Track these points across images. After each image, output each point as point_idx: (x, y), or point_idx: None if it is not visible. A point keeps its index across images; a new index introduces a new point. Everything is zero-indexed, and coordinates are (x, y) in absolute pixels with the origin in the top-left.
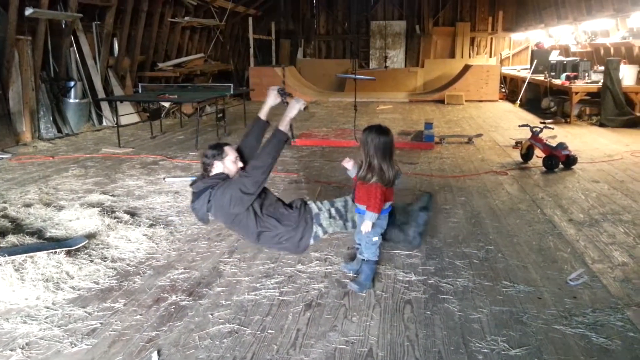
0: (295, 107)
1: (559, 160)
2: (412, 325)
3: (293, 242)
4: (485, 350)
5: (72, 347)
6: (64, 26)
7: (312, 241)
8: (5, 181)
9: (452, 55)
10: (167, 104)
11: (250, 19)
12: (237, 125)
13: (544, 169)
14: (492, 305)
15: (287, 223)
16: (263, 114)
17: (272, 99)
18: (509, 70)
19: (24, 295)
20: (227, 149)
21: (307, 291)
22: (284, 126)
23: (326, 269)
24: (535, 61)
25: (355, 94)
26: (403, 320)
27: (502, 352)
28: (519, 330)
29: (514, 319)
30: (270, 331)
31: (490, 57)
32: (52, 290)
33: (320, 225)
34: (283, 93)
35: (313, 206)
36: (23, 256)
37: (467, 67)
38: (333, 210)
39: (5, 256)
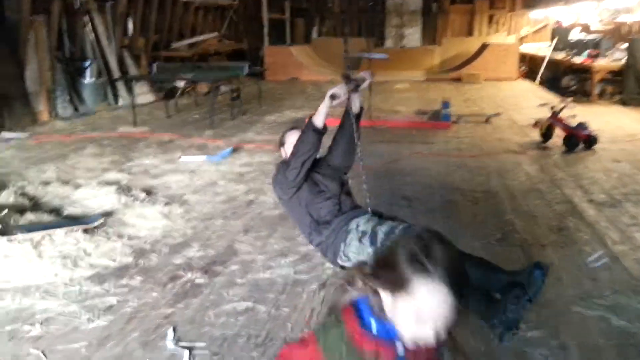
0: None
1: (580, 139)
2: None
3: (326, 253)
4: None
5: (90, 323)
6: (78, 6)
7: (340, 261)
8: (24, 160)
9: (469, 33)
10: (182, 83)
11: None
12: (252, 104)
13: (564, 148)
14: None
15: (319, 229)
16: (320, 121)
17: (340, 97)
18: (529, 48)
19: (43, 272)
20: (288, 133)
21: (322, 270)
22: (315, 117)
23: None
24: (555, 39)
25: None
26: None
27: (520, 334)
28: (537, 311)
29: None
30: (284, 309)
31: (509, 35)
32: (69, 267)
33: (347, 245)
34: (350, 79)
35: (354, 221)
36: (41, 233)
37: (485, 46)
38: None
39: (24, 233)
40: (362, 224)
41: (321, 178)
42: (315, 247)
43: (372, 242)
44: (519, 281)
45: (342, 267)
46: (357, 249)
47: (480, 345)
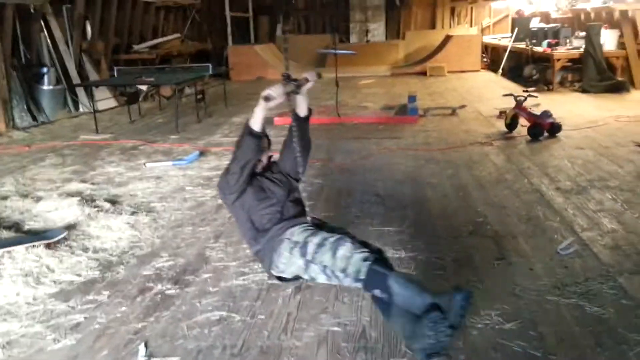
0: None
1: (544, 128)
2: None
3: (263, 261)
4: (480, 325)
5: (56, 344)
6: (32, 11)
7: (273, 272)
8: None
9: (432, 26)
10: (144, 87)
11: None
12: (218, 105)
13: (529, 137)
14: (484, 279)
15: (257, 237)
16: (256, 124)
17: (275, 98)
18: (490, 39)
19: (3, 292)
20: None
21: None
22: (251, 120)
23: None
24: (516, 29)
25: (336, 69)
26: None
27: (497, 327)
28: (512, 303)
29: (507, 291)
30: (260, 317)
31: (471, 26)
32: (32, 285)
33: (279, 255)
34: (289, 80)
35: (289, 231)
36: (1, 251)
37: (448, 38)
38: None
39: None
40: (296, 233)
41: (269, 184)
42: (254, 255)
43: (303, 253)
44: (440, 305)
45: (279, 278)
46: (286, 260)
47: (455, 339)
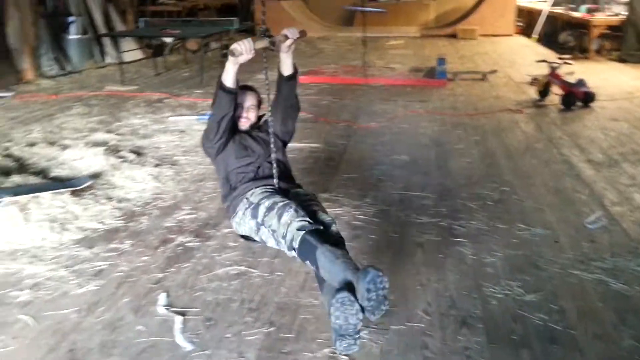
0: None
1: (578, 97)
2: (424, 268)
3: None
4: (499, 295)
5: (79, 289)
6: None
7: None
8: (9, 120)
9: None
10: (170, 40)
11: None
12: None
13: (561, 106)
14: (507, 249)
15: (228, 194)
16: (227, 80)
17: (242, 53)
18: (526, 2)
19: (30, 236)
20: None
21: None
22: (223, 75)
23: (336, 210)
24: None
25: (364, 28)
26: (414, 264)
27: (517, 298)
28: (535, 274)
29: (530, 263)
30: (278, 274)
31: None
32: (57, 231)
33: (235, 214)
34: (265, 35)
35: (252, 191)
36: (28, 196)
37: (481, 0)
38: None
39: (9, 196)
40: (256, 194)
41: (251, 142)
42: (225, 212)
43: (254, 215)
44: (353, 284)
45: (242, 237)
46: (239, 219)
47: (474, 308)
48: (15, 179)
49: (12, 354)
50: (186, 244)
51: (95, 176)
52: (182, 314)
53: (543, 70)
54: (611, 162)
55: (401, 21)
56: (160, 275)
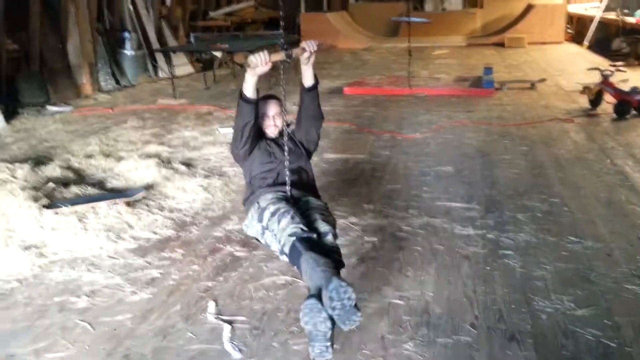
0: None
1: (632, 106)
2: (470, 281)
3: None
4: (549, 309)
5: (133, 296)
6: None
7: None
8: (68, 133)
9: None
10: (219, 54)
11: None
12: (289, 74)
13: (614, 115)
14: (557, 262)
15: (247, 195)
16: (247, 90)
17: (257, 65)
18: (577, 8)
19: (88, 245)
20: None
21: (361, 244)
22: (243, 86)
23: (380, 222)
24: None
25: (409, 38)
26: (461, 276)
27: (568, 312)
28: (586, 289)
29: (581, 276)
30: None
31: None
32: (113, 240)
33: (247, 217)
34: (283, 48)
35: (264, 196)
36: (86, 206)
37: (529, 7)
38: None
39: (68, 206)
40: (266, 199)
41: (276, 149)
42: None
43: (260, 219)
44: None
45: (254, 239)
46: (249, 222)
47: (523, 323)
48: (74, 190)
49: (71, 357)
50: (234, 254)
51: (149, 187)
52: (230, 322)
53: (595, 78)
54: None
55: (447, 30)
56: (210, 284)
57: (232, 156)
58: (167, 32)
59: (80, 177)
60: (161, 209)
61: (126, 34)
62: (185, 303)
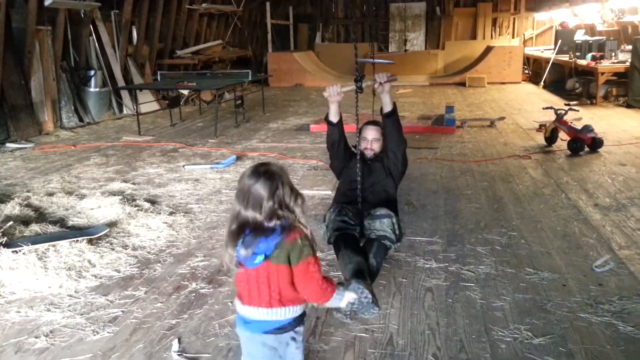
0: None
1: (585, 143)
2: (433, 313)
3: None
4: (508, 338)
5: (94, 335)
6: (82, 15)
7: None
8: (29, 170)
9: (473, 36)
10: (186, 92)
11: (267, 4)
12: (256, 111)
13: (568, 152)
14: (515, 293)
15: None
16: (331, 115)
17: (331, 95)
18: (533, 51)
19: (48, 284)
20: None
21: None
22: (329, 112)
23: None
24: (559, 41)
25: (374, 79)
26: (424, 308)
27: (526, 341)
28: (543, 318)
29: (538, 307)
30: None
31: (513, 37)
32: (74, 279)
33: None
34: (355, 80)
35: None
36: (46, 245)
37: (489, 49)
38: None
39: (28, 245)
40: (334, 208)
41: (366, 170)
42: None
43: (323, 219)
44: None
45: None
46: (322, 224)
47: (483, 352)
48: (35, 228)
49: None
50: (199, 291)
51: (112, 225)
52: (195, 359)
53: (550, 117)
54: (619, 206)
55: (410, 70)
56: (174, 321)
57: (331, 170)
58: (134, 70)
59: (41, 215)
60: (124, 246)
61: (91, 72)
62: (149, 341)
